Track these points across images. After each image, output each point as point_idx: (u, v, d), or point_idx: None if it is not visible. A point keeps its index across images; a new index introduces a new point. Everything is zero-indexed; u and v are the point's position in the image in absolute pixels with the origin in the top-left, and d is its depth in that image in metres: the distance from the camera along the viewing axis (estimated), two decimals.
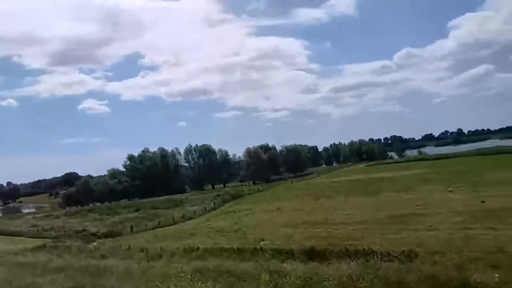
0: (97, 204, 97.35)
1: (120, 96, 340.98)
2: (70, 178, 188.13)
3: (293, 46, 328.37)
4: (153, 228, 43.42)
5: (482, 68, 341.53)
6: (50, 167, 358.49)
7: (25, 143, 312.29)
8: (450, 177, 50.80)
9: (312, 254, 18.84)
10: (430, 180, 50.84)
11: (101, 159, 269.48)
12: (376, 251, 17.92)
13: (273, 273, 15.26)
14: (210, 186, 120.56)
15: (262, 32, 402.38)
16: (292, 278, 13.93)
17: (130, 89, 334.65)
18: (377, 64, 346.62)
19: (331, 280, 13.29)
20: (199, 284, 13.97)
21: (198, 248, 23.44)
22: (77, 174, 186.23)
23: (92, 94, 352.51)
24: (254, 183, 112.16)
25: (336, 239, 24.70)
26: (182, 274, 15.27)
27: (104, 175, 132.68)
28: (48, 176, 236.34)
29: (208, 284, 13.90)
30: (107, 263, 21.46)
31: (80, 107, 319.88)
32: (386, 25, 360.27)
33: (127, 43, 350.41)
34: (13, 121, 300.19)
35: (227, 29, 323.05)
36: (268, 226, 33.49)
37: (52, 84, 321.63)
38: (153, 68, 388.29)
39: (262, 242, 26.19)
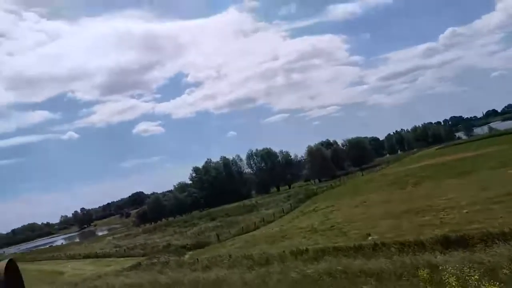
0: (170, 218, 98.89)
1: (170, 115, 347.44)
2: (137, 198, 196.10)
3: (332, 42, 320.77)
4: (238, 235, 42.59)
5: None
6: (117, 190, 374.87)
7: (90, 171, 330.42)
8: None
9: (447, 243, 16.74)
10: None
11: (162, 175, 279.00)
12: None
13: (422, 267, 13.38)
14: (275, 189, 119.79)
15: (298, 33, 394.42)
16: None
17: (179, 107, 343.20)
18: (422, 47, 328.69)
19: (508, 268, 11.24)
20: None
21: (307, 250, 21.90)
22: (142, 193, 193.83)
23: (144, 117, 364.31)
24: (319, 180, 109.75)
25: (455, 225, 22.25)
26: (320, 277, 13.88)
27: (169, 190, 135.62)
28: (116, 198, 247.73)
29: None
30: (217, 274, 20.44)
31: (135, 130, 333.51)
32: (424, 7, 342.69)
33: (169, 65, 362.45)
34: (76, 151, 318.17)
35: (262, 37, 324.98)
36: (364, 220, 31.39)
37: (106, 113, 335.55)
38: (197, 84, 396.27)
39: (370, 237, 24.31)
